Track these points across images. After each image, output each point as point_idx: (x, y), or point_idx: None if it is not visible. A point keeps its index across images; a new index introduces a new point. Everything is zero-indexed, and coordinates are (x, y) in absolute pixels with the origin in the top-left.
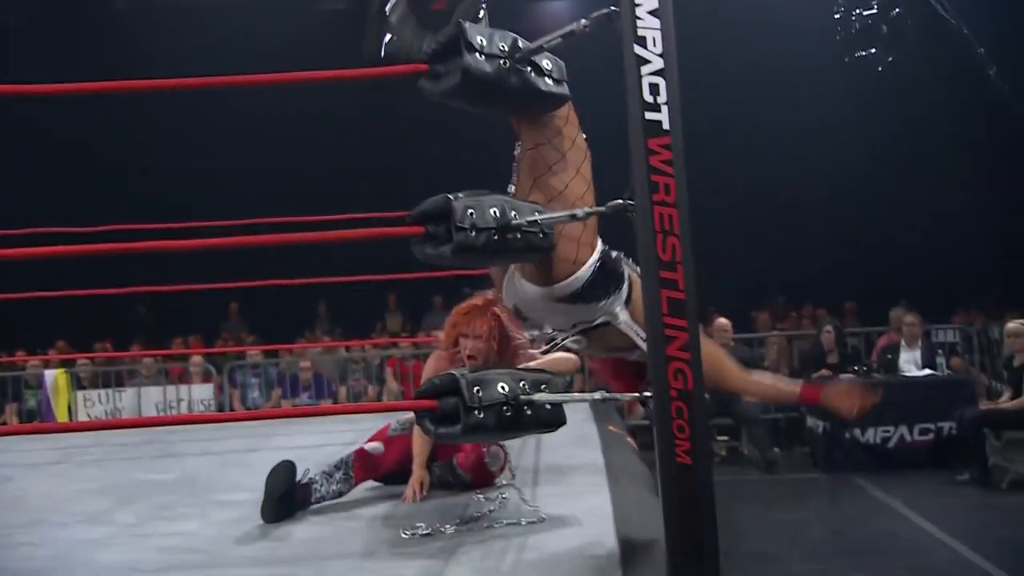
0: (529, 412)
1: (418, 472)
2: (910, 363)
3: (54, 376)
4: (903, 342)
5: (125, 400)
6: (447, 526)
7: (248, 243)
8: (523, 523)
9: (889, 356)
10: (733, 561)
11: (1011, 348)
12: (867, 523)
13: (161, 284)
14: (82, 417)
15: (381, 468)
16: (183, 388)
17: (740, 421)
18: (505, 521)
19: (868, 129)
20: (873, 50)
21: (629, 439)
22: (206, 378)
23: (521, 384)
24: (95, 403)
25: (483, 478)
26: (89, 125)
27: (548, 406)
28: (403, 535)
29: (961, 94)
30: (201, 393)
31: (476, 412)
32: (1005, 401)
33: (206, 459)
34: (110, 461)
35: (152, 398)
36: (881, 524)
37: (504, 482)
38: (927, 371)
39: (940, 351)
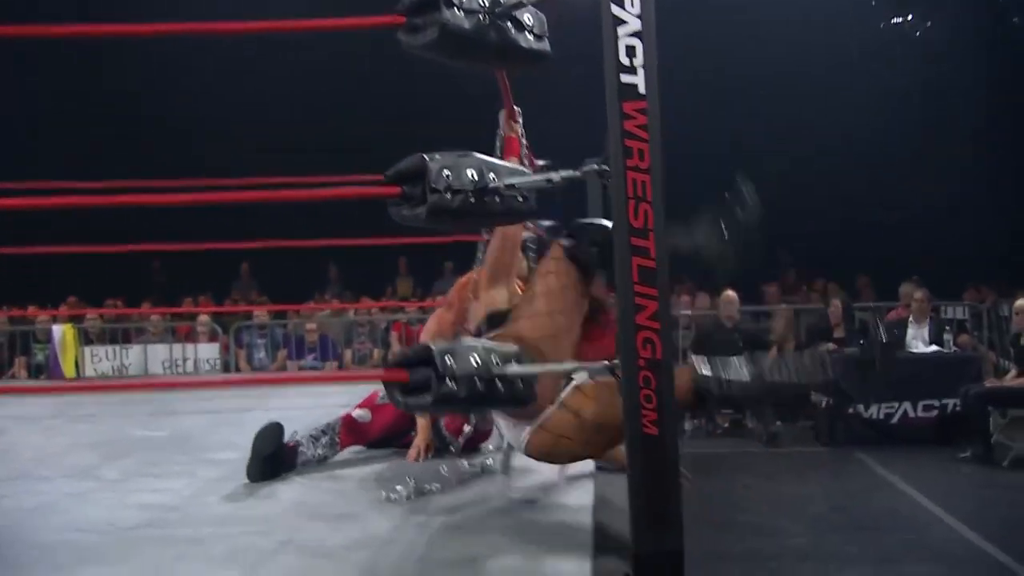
0: (501, 386)
1: (423, 434)
2: (917, 339)
3: (62, 331)
4: (911, 318)
5: (132, 357)
6: (428, 488)
7: (224, 199)
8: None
9: (896, 332)
10: (732, 533)
11: (1019, 326)
12: (867, 498)
13: (174, 243)
14: (89, 372)
15: (368, 435)
16: (189, 347)
17: None
18: (485, 484)
19: (890, 102)
20: (910, 17)
21: None
22: (212, 337)
23: (492, 357)
24: (102, 359)
25: (468, 442)
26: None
27: (520, 382)
28: (383, 497)
29: (990, 67)
30: (207, 352)
31: (448, 382)
32: (1011, 379)
33: (201, 418)
34: (105, 417)
35: (159, 355)
36: (881, 500)
37: (490, 447)
38: (933, 348)
39: (948, 328)
